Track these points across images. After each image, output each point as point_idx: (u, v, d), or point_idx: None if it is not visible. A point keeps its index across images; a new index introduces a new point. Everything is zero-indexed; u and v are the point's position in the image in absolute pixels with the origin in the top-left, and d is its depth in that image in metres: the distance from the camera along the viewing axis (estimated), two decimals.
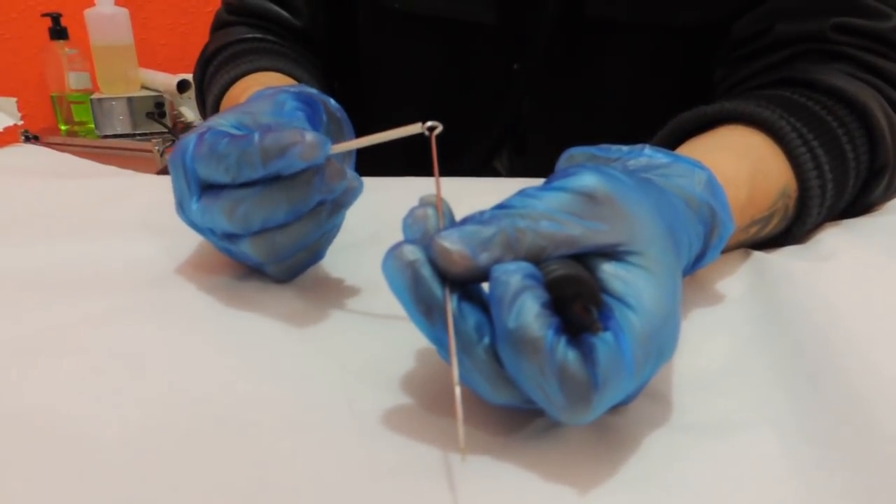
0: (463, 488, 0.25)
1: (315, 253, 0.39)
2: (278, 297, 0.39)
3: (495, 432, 0.27)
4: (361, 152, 0.75)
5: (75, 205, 0.53)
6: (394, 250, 0.26)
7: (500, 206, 0.26)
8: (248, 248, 0.36)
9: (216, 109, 0.58)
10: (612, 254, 0.26)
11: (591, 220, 0.26)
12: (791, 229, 0.44)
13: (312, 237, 0.37)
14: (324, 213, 0.36)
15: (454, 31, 0.62)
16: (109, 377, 0.31)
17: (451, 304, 0.25)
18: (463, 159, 0.66)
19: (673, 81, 0.61)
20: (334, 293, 0.39)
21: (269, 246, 0.35)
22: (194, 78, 0.66)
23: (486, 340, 0.25)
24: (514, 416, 0.28)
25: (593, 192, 0.26)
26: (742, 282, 0.40)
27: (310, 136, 0.33)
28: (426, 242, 0.26)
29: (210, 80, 0.61)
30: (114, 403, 0.29)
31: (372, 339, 0.34)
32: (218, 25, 0.68)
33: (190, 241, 0.46)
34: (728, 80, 0.54)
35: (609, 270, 0.26)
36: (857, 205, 0.47)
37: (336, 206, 0.37)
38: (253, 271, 0.41)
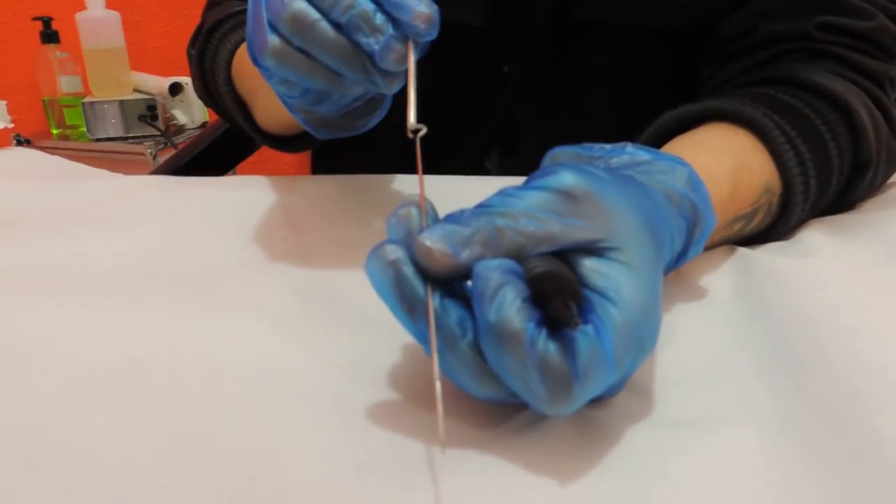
0: (448, 481, 0.25)
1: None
2: (267, 295, 0.39)
3: (480, 426, 0.28)
4: (353, 150, 0.75)
5: (65, 206, 0.53)
6: (376, 250, 0.26)
7: (481, 206, 0.27)
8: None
9: (228, 68, 0.57)
10: (593, 250, 0.26)
11: (570, 218, 0.26)
12: (775, 226, 0.44)
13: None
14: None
15: (444, 33, 0.62)
16: (97, 378, 0.31)
17: (433, 301, 0.25)
18: (454, 161, 0.66)
19: (662, 83, 0.62)
20: (323, 291, 0.39)
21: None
22: (190, 52, 0.63)
23: (469, 336, 0.25)
24: (498, 410, 0.28)
25: (571, 190, 0.27)
26: (727, 278, 0.40)
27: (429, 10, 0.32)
28: (408, 242, 0.26)
29: (218, 45, 0.59)
30: (101, 405, 0.29)
31: (359, 336, 0.35)
32: (211, 4, 0.68)
33: (178, 241, 0.47)
34: (715, 78, 0.55)
35: (589, 266, 0.26)
36: (841, 201, 0.48)
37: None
38: (240, 270, 0.41)
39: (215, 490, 0.25)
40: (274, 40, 0.33)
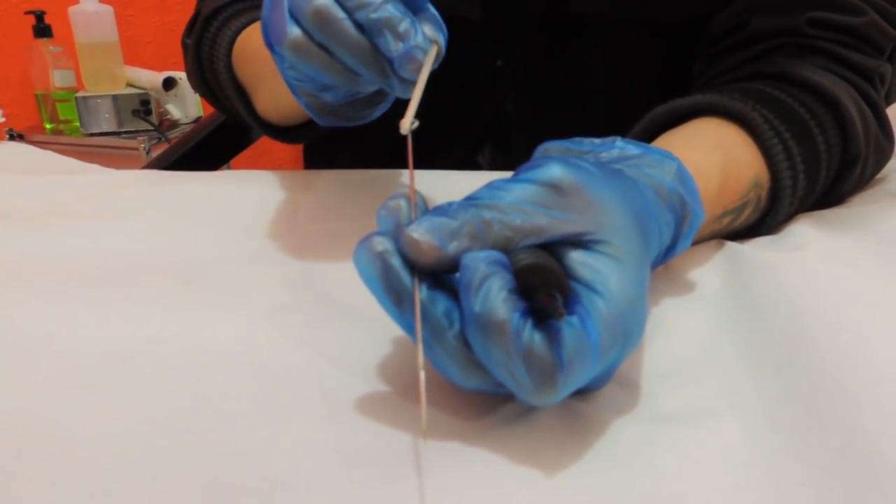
0: (435, 472, 0.25)
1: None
2: (257, 289, 0.39)
3: (467, 417, 0.28)
4: (345, 143, 0.74)
5: (56, 200, 0.53)
6: (364, 241, 0.26)
7: (468, 198, 0.27)
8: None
9: (229, 54, 0.56)
10: (580, 242, 0.27)
11: (558, 210, 0.26)
12: (764, 220, 0.44)
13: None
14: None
15: None
16: (87, 371, 0.31)
17: (419, 292, 0.25)
18: (445, 155, 0.66)
19: (655, 78, 0.62)
20: (313, 284, 0.40)
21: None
22: (185, 42, 0.62)
23: (456, 327, 0.26)
24: (485, 402, 0.29)
25: (559, 183, 0.27)
26: (715, 272, 0.40)
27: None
28: (396, 233, 0.26)
29: (217, 32, 0.58)
30: (91, 397, 0.30)
31: (348, 328, 0.35)
32: None
33: (169, 235, 0.47)
34: (706, 73, 0.55)
35: (576, 258, 0.26)
36: (830, 195, 0.48)
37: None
38: (230, 264, 0.41)
39: (204, 482, 0.25)
40: (295, 32, 0.33)
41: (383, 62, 0.33)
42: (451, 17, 0.60)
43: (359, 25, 0.33)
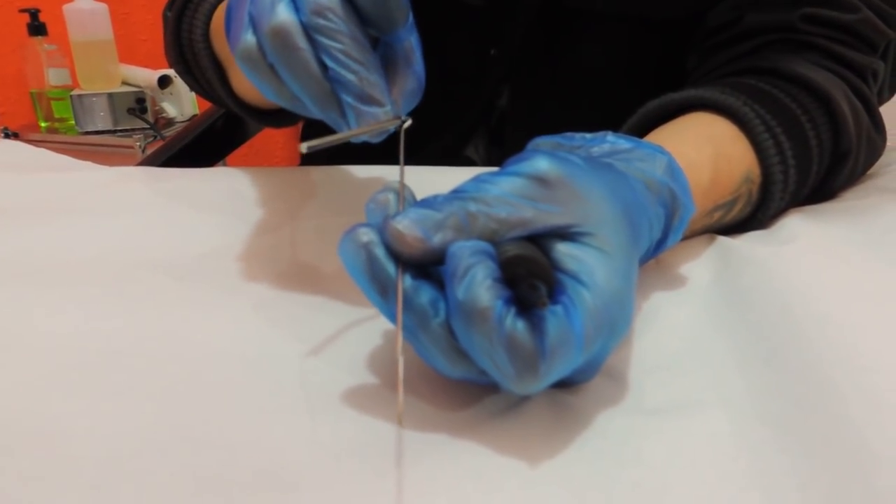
0: (421, 464, 0.25)
1: None
2: (247, 284, 0.39)
3: (453, 409, 0.28)
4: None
5: (48, 197, 0.53)
6: (349, 233, 0.26)
7: (455, 191, 0.27)
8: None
9: (207, 25, 0.52)
10: (566, 234, 0.27)
11: (544, 203, 0.26)
12: (755, 215, 0.44)
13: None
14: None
15: (437, 7, 0.61)
16: (78, 367, 0.31)
17: (405, 282, 0.26)
18: (433, 144, 0.66)
19: (650, 73, 0.62)
20: (306, 280, 0.40)
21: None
22: (166, 14, 0.57)
23: (441, 315, 0.26)
24: (471, 394, 0.29)
25: (545, 176, 0.27)
26: (706, 266, 0.40)
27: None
28: (382, 225, 0.26)
29: (199, 3, 0.53)
30: (82, 392, 0.29)
31: (338, 323, 0.35)
32: None
33: (161, 231, 0.47)
34: (700, 68, 0.55)
35: (563, 250, 0.26)
36: (821, 190, 0.48)
37: None
38: (221, 259, 0.41)
39: (194, 475, 0.25)
40: (248, 41, 0.29)
41: (338, 105, 0.29)
42: (451, 2, 0.60)
43: (322, 63, 0.28)
